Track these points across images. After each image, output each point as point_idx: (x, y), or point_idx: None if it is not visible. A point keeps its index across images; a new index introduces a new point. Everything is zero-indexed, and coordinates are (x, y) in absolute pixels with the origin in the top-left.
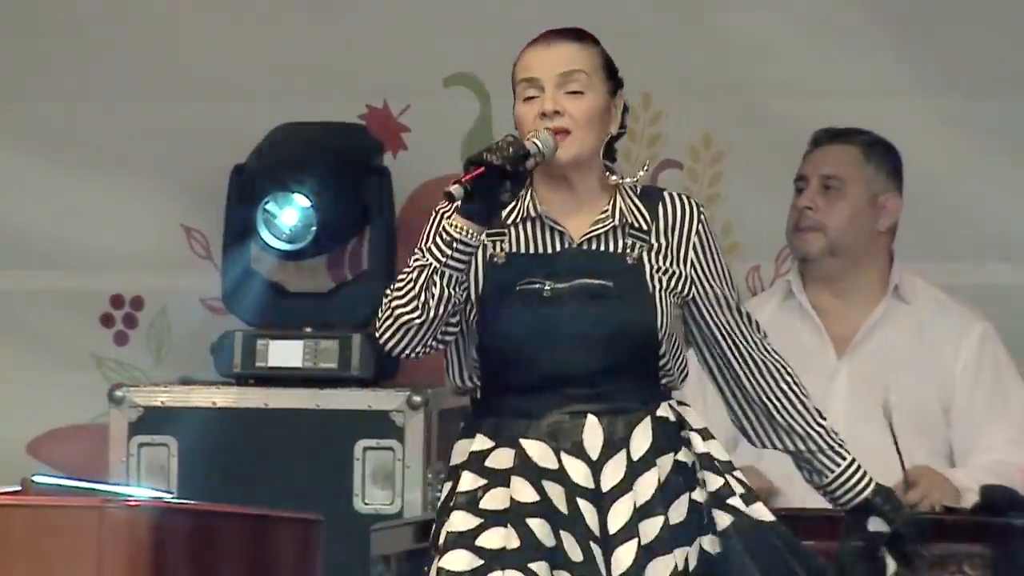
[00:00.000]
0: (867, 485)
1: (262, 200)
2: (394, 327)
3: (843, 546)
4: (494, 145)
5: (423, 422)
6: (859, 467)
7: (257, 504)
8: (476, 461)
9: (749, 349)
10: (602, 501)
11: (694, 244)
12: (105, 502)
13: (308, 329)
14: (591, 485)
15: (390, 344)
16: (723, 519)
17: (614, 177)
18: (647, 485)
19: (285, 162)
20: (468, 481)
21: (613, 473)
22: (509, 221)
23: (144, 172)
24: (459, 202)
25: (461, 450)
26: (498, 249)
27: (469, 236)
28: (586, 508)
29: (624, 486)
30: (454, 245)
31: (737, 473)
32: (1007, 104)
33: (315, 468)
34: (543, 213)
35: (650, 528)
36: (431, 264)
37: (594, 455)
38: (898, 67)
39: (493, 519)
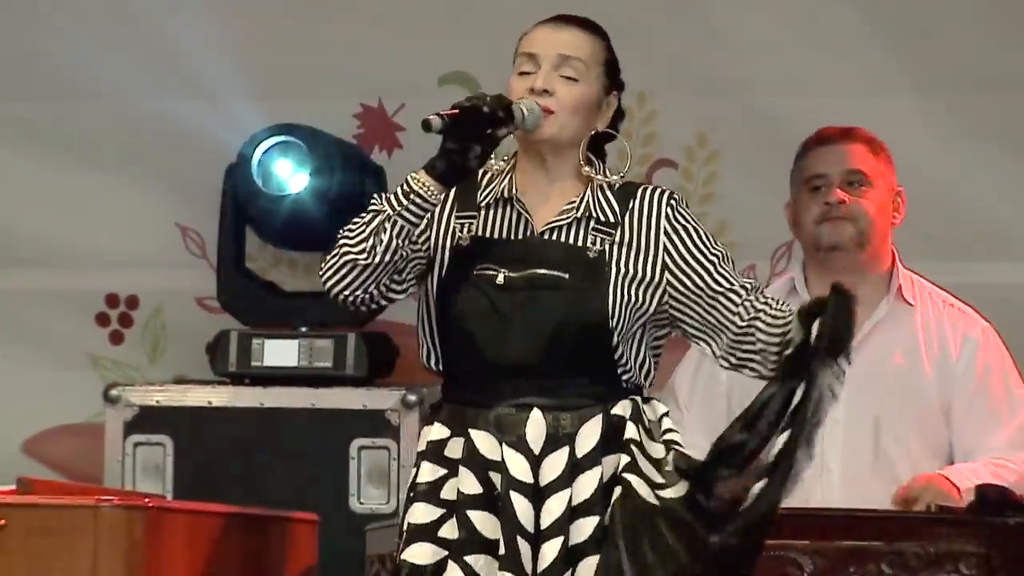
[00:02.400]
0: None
1: (262, 145)
2: (338, 264)
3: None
4: (481, 93)
5: (418, 421)
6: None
7: (252, 503)
8: (435, 450)
9: (738, 304)
10: (539, 496)
11: (664, 230)
12: (100, 502)
13: (303, 328)
14: (529, 480)
15: (331, 282)
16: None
17: (587, 169)
18: (587, 484)
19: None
20: (427, 471)
21: (551, 469)
22: (483, 202)
23: (139, 171)
24: (434, 130)
25: (424, 436)
26: (465, 231)
27: (427, 192)
28: (518, 502)
29: (561, 483)
30: (411, 197)
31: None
32: (1000, 103)
33: (310, 467)
34: (516, 196)
35: (585, 527)
36: (385, 211)
37: (536, 449)
38: (893, 66)
39: (452, 510)
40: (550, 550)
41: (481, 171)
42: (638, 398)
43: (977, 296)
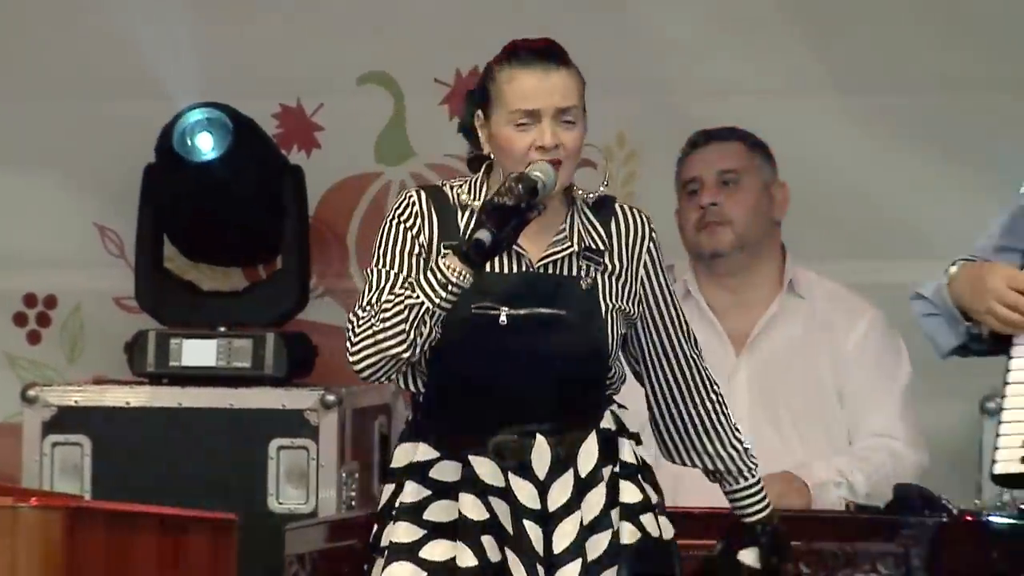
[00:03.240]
0: (759, 511)
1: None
2: (377, 357)
3: (717, 554)
4: (503, 188)
5: (337, 421)
6: (759, 492)
7: (171, 503)
8: (420, 471)
9: (686, 370)
10: (549, 521)
11: (645, 263)
12: (18, 502)
13: (222, 328)
14: (537, 506)
15: (368, 371)
16: (628, 534)
17: (580, 191)
18: (595, 502)
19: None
20: (412, 491)
21: (560, 493)
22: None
23: (57, 171)
24: (488, 246)
25: (403, 456)
26: None
27: (463, 279)
28: (531, 528)
29: (571, 506)
30: (449, 288)
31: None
32: (921, 103)
33: (229, 467)
34: None
35: (600, 542)
36: (423, 304)
37: (541, 475)
38: (813, 66)
39: (437, 531)
40: (572, 572)
41: (455, 194)
42: (614, 405)
43: (897, 295)
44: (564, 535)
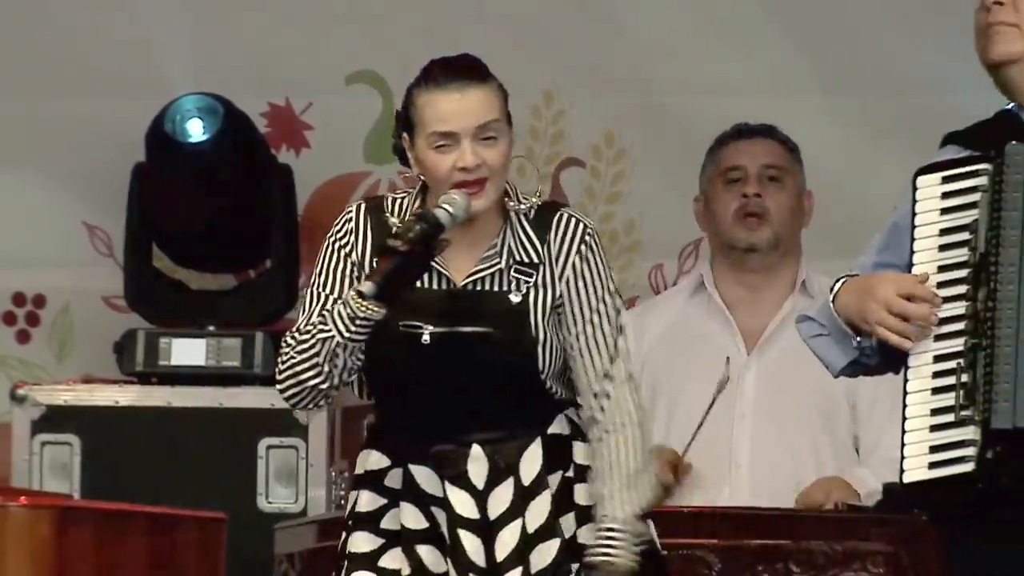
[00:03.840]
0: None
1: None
2: (297, 389)
3: None
4: (401, 229)
5: (327, 420)
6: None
7: (160, 503)
8: (374, 479)
9: (589, 393)
10: (490, 530)
11: (573, 263)
12: (7, 501)
13: (211, 327)
14: (476, 515)
15: (292, 401)
16: (586, 533)
17: (511, 204)
18: (539, 511)
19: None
20: (367, 500)
21: (500, 502)
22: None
23: (46, 170)
24: (370, 296)
25: (360, 463)
26: None
27: (374, 315)
28: (467, 538)
29: (513, 514)
30: (357, 322)
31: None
32: (907, 102)
33: (219, 466)
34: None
35: (546, 552)
36: (334, 337)
37: (479, 484)
38: (799, 66)
39: (392, 540)
40: None
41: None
42: (571, 409)
43: None
44: (504, 544)
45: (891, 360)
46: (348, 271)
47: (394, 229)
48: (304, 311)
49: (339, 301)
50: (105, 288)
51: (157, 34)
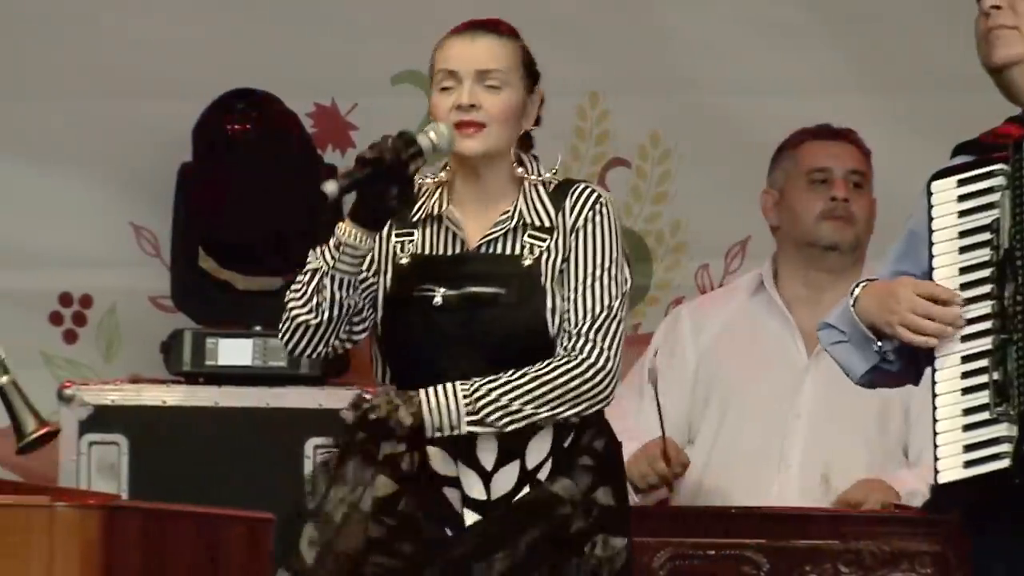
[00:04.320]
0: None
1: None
2: (291, 328)
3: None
4: (379, 141)
5: None
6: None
7: (207, 503)
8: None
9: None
10: (487, 510)
11: (578, 227)
12: (55, 501)
13: (258, 327)
14: (483, 496)
15: (290, 345)
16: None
17: (520, 170)
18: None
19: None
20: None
21: (504, 483)
22: (416, 219)
23: (93, 171)
24: (331, 199)
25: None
26: (403, 250)
27: (356, 240)
28: (470, 518)
29: (512, 496)
30: (342, 248)
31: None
32: (950, 102)
33: (265, 466)
34: (445, 214)
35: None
36: (321, 267)
37: (488, 465)
38: (842, 66)
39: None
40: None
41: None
42: None
43: None
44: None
45: (912, 366)
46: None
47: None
48: None
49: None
50: (152, 288)
51: (203, 35)
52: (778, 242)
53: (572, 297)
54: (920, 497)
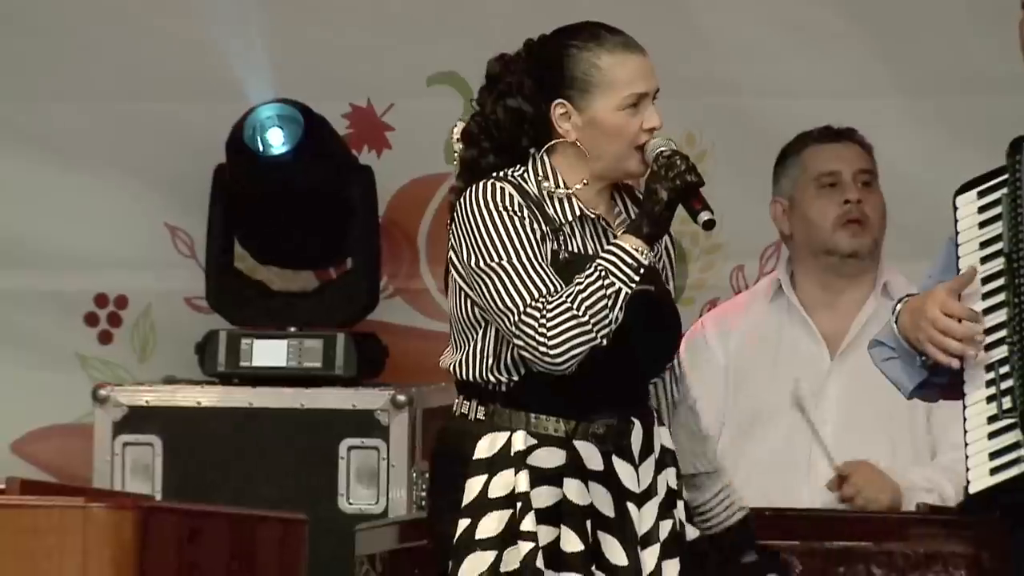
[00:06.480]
0: None
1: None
2: (585, 347)
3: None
4: (691, 164)
5: (408, 421)
6: None
7: (242, 504)
8: (519, 459)
9: None
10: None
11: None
12: (90, 502)
13: (292, 328)
14: (636, 488)
15: (571, 362)
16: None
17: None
18: (664, 485)
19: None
20: (520, 480)
21: (646, 475)
22: (567, 219)
23: (128, 172)
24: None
25: (489, 446)
26: (560, 247)
27: (648, 258)
28: (633, 511)
29: (653, 488)
30: (640, 271)
31: None
32: (985, 104)
33: (300, 467)
34: (600, 215)
35: (666, 528)
36: (621, 289)
37: (636, 458)
38: (878, 68)
39: (543, 516)
40: (650, 556)
41: (529, 185)
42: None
43: None
44: (647, 516)
45: (957, 380)
46: (540, 237)
47: (682, 165)
48: (520, 282)
49: (608, 254)
50: (187, 289)
51: (239, 37)
52: (792, 250)
53: None
54: (923, 493)
